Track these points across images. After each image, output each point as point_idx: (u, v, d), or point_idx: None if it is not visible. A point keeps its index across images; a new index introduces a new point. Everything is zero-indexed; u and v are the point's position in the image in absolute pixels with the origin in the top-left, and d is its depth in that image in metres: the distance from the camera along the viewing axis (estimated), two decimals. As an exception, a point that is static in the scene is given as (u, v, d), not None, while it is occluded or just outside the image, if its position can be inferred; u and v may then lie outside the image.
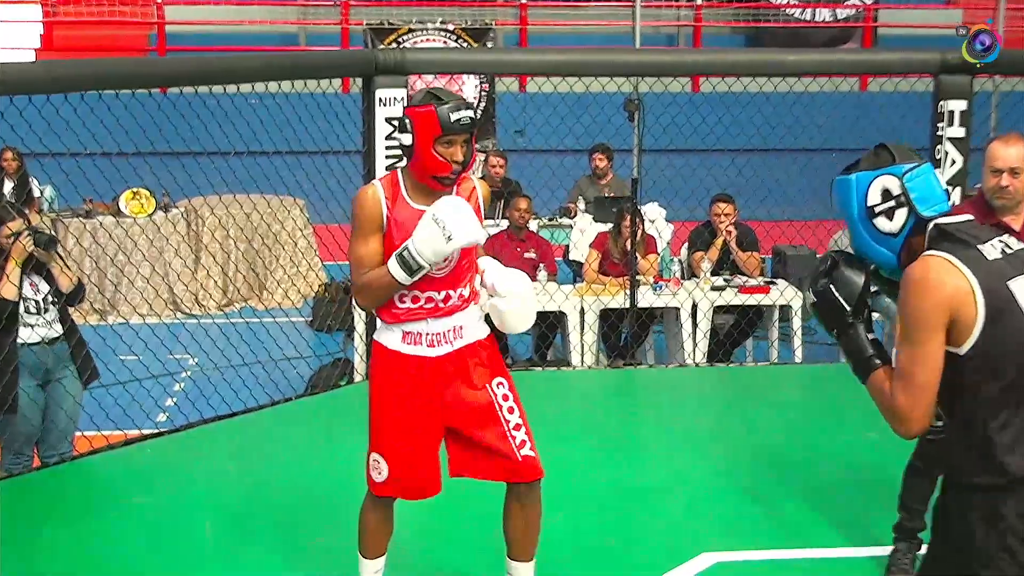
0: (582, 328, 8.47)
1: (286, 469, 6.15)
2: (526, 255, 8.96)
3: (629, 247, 8.31)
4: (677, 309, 8.57)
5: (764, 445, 6.57)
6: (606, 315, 8.53)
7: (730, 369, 8.40)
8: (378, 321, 4.24)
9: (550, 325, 8.66)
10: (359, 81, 7.65)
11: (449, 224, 3.86)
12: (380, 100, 7.43)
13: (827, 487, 5.93)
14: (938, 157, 7.98)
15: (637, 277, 8.23)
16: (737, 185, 9.53)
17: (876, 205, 3.09)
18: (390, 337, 4.18)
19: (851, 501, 5.76)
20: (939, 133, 7.97)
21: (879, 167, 3.11)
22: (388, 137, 7.44)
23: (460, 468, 4.29)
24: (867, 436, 6.32)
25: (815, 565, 5.17)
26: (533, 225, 9.81)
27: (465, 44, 15.53)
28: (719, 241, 8.90)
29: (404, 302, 4.10)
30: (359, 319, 7.91)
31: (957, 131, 7.93)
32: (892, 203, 3.07)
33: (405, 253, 3.91)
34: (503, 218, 10.00)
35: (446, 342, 4.17)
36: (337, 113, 7.84)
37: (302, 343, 8.31)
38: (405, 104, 4.10)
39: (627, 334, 8.51)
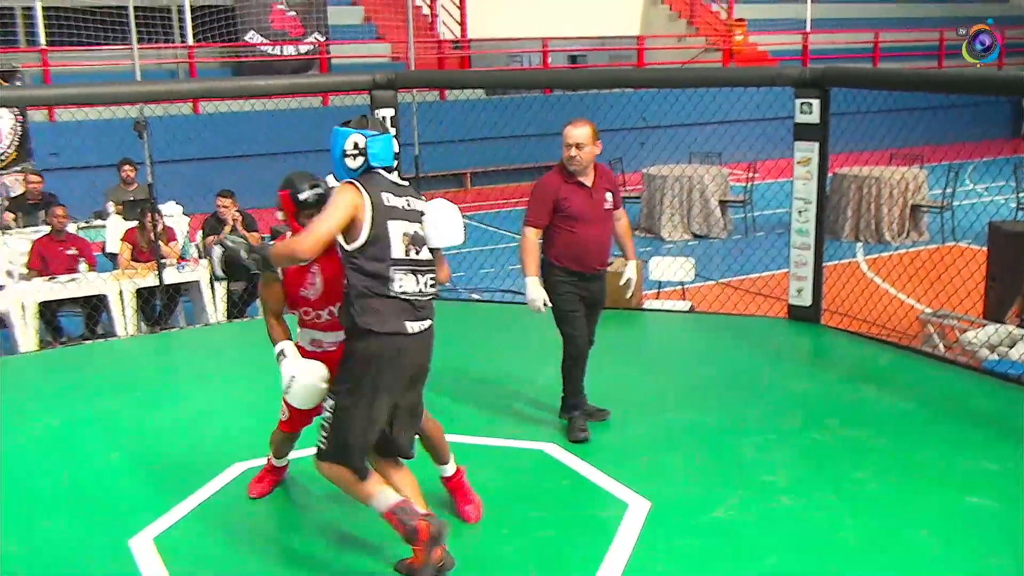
0: (122, 305, 8.05)
1: None
2: (68, 252, 8.41)
3: (153, 238, 8.01)
4: (198, 282, 8.35)
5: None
6: (141, 293, 8.17)
7: (246, 323, 8.30)
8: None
9: (95, 306, 8.14)
10: None
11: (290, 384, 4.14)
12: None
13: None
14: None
15: (163, 260, 7.99)
16: (235, 183, 9.42)
17: (348, 150, 3.83)
18: (303, 339, 4.38)
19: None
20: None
21: (356, 128, 3.87)
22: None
23: None
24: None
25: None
26: (72, 228, 9.16)
27: (-4, 85, 14.12)
28: (228, 228, 8.73)
29: (308, 315, 4.31)
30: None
31: (389, 131, 8.23)
32: (356, 152, 3.83)
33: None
34: (44, 223, 9.26)
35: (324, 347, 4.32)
36: None
37: None
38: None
39: (160, 306, 8.23)
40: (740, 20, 21.92)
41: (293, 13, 17.29)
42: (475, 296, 9.16)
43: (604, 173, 5.29)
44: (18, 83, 14.34)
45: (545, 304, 5.15)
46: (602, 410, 5.55)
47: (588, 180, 5.19)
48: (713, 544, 4.23)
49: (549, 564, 4.10)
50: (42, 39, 15.50)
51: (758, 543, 4.22)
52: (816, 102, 7.01)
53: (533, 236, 5.19)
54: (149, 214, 8.10)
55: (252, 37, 17.11)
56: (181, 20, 16.83)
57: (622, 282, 5.47)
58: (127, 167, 10.57)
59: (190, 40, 16.58)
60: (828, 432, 5.35)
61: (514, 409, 5.76)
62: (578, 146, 5.08)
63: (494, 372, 6.48)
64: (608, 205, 5.26)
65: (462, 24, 19.81)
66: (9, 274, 8.48)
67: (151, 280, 8.11)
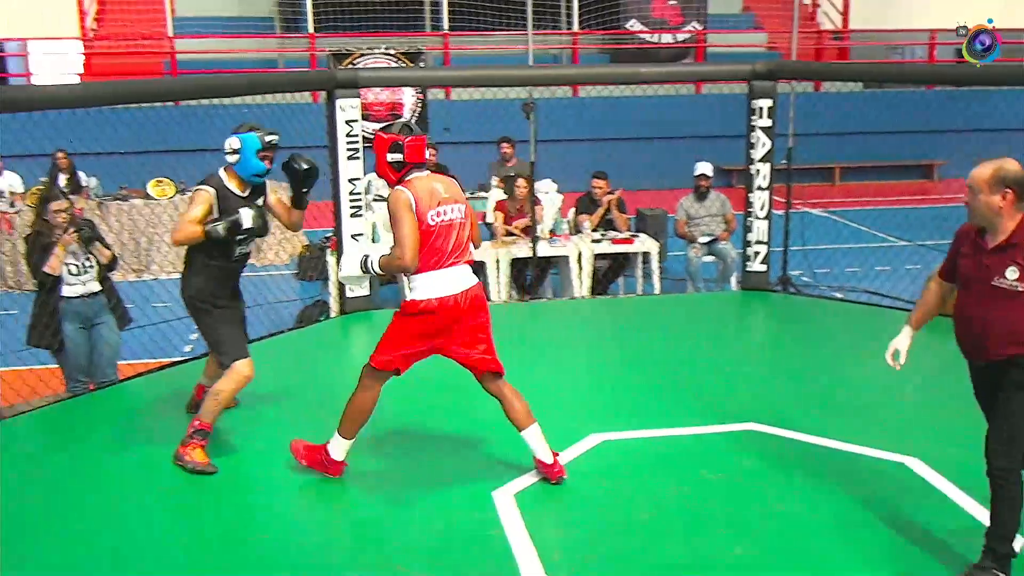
0: (498, 272, 8.45)
1: (289, 377, 6.05)
2: (455, 220, 8.92)
3: (523, 208, 8.49)
4: (567, 257, 8.58)
5: (637, 350, 6.64)
6: (515, 263, 8.53)
7: (607, 300, 8.44)
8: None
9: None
10: (324, 94, 7.52)
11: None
12: (340, 107, 7.30)
13: (687, 380, 6.01)
14: (752, 140, 8.04)
15: (537, 235, 8.28)
16: (608, 165, 9.56)
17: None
18: None
19: (702, 389, 5.85)
20: (752, 123, 8.03)
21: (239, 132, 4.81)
22: (347, 135, 7.33)
23: None
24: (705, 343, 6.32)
25: (674, 440, 5.22)
26: (459, 198, 9.74)
27: (403, 65, 15.33)
28: (601, 210, 8.90)
29: None
30: (331, 270, 7.81)
31: (765, 122, 8.00)
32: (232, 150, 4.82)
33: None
34: (438, 193, 9.93)
35: None
36: (306, 117, 7.69)
37: (289, 290, 8.21)
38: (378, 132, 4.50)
39: (531, 276, 8.54)
40: None
41: (675, 2, 17.28)
42: (838, 295, 8.72)
43: None
44: (422, 64, 15.48)
45: (895, 357, 4.16)
46: None
47: (994, 239, 3.80)
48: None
49: (906, 584, 3.81)
50: (445, 24, 16.61)
51: None
52: None
53: (932, 283, 4.16)
54: (523, 181, 8.53)
55: (632, 25, 17.31)
56: (568, 7, 17.36)
57: None
58: (505, 145, 11.09)
59: (576, 27, 17.06)
60: None
61: (875, 416, 5.40)
62: (970, 190, 3.80)
63: (853, 375, 6.11)
64: (1005, 283, 3.74)
65: (844, 14, 18.87)
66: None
67: (525, 251, 8.43)
